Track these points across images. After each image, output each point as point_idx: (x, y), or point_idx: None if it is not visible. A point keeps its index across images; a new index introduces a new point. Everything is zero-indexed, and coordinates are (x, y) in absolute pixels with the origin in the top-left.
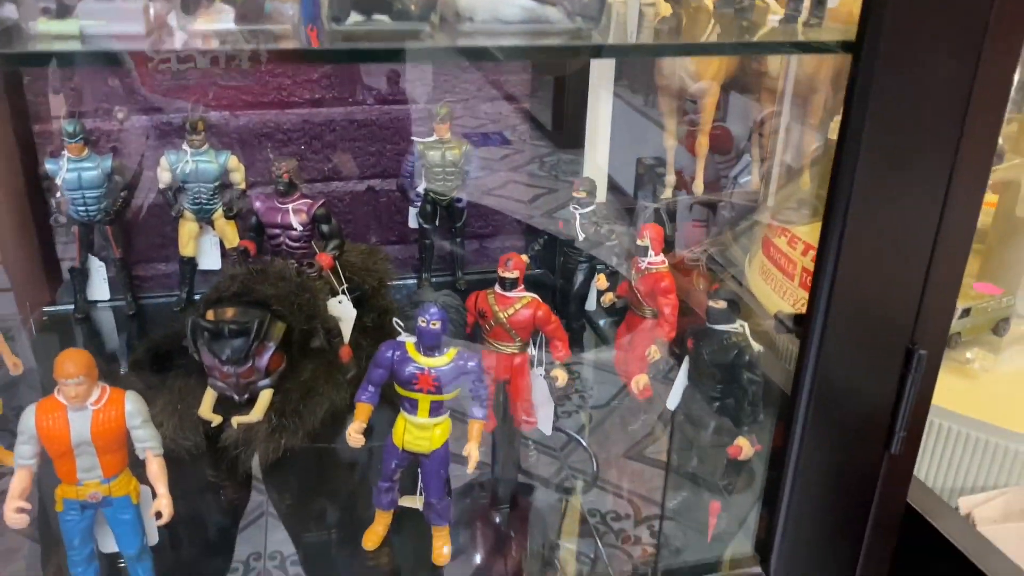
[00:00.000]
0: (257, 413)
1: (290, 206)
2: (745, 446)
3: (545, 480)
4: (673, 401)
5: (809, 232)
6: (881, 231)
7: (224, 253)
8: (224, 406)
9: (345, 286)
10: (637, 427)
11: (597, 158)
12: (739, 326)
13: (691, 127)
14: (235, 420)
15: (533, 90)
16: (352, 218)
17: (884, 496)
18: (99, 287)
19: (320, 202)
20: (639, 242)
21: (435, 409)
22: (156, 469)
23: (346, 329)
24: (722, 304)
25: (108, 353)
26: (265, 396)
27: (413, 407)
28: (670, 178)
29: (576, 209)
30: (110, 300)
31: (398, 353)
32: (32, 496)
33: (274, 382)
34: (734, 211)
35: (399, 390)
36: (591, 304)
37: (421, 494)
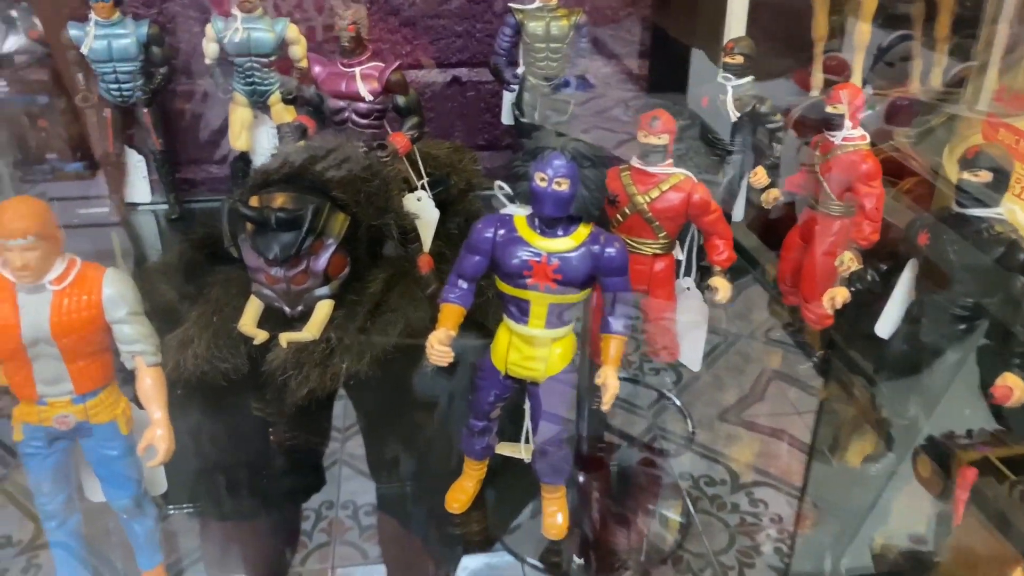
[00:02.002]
0: (312, 330)
1: (357, 70)
2: (1017, 386)
3: (632, 439)
4: (887, 326)
5: None
6: None
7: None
8: (272, 320)
9: (426, 180)
10: (733, 386)
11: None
12: (1002, 212)
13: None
14: (284, 337)
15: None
16: (433, 116)
17: None
18: (139, 187)
19: (394, 65)
20: (830, 108)
21: (555, 316)
22: (150, 384)
23: (426, 233)
24: (985, 176)
25: (149, 267)
26: (323, 309)
27: (523, 312)
28: (817, 77)
29: (727, 81)
30: (151, 203)
31: (503, 231)
32: None
33: (334, 291)
34: (915, 110)
35: (503, 287)
36: (738, 213)
37: (528, 440)
